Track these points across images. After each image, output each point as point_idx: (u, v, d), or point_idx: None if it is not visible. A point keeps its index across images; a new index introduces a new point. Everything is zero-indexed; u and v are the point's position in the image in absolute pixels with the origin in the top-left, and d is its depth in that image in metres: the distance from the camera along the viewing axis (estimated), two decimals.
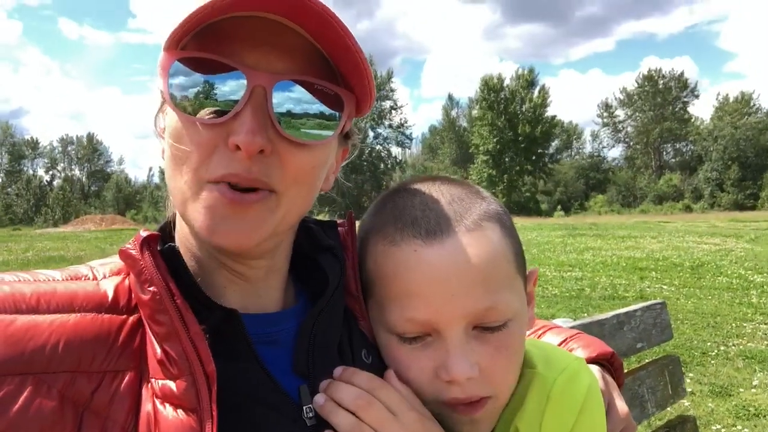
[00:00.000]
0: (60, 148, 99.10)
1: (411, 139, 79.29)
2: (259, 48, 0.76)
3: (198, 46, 0.77)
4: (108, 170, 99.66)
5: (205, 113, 0.75)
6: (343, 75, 0.82)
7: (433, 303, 0.88)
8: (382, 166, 72.75)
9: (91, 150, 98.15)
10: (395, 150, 76.99)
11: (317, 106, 0.80)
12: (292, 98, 0.77)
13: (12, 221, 78.90)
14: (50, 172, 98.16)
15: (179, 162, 0.78)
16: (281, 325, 0.90)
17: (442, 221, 0.91)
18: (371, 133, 72.43)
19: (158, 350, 0.74)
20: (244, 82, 0.74)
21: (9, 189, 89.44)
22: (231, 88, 0.75)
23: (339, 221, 1.06)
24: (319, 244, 0.99)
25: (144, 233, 0.79)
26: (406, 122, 75.11)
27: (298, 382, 0.85)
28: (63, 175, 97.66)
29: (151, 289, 0.74)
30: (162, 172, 0.88)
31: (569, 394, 0.95)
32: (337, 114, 0.82)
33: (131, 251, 0.77)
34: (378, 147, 74.09)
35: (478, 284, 0.88)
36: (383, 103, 73.04)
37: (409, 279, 0.89)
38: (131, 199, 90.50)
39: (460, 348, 0.88)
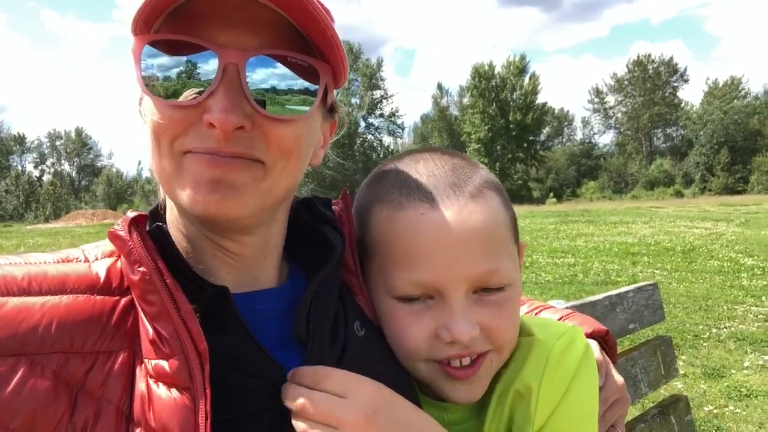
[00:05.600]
0: (48, 143, 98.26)
1: (403, 129, 79.08)
2: (229, 25, 0.75)
3: (168, 29, 0.76)
4: (98, 164, 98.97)
5: (181, 95, 0.75)
6: (317, 47, 0.81)
7: (439, 265, 0.90)
8: (374, 156, 72.57)
9: (80, 144, 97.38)
10: (387, 139, 76.86)
11: (294, 79, 0.79)
12: (267, 74, 0.76)
13: (2, 218, 78.29)
14: (39, 168, 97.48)
15: (157, 140, 0.78)
16: (273, 303, 0.90)
17: (448, 186, 0.93)
18: (362, 123, 72.21)
19: (150, 330, 0.74)
20: (216, 60, 0.73)
21: None
22: (203, 67, 0.74)
23: (333, 200, 1.06)
24: (322, 215, 1.00)
25: (132, 214, 0.79)
26: (397, 111, 74.88)
27: (292, 354, 0.84)
28: (52, 170, 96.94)
29: (140, 269, 0.74)
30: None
31: (566, 358, 0.98)
32: (314, 86, 0.81)
33: (120, 232, 0.77)
34: (370, 137, 73.93)
35: (481, 248, 0.91)
36: (374, 93, 72.76)
37: (416, 241, 0.91)
38: (122, 194, 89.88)
39: (461, 310, 0.91)
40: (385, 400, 0.81)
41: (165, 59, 0.75)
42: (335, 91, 0.93)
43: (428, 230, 0.91)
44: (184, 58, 0.75)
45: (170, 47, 0.75)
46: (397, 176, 0.99)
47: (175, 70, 0.75)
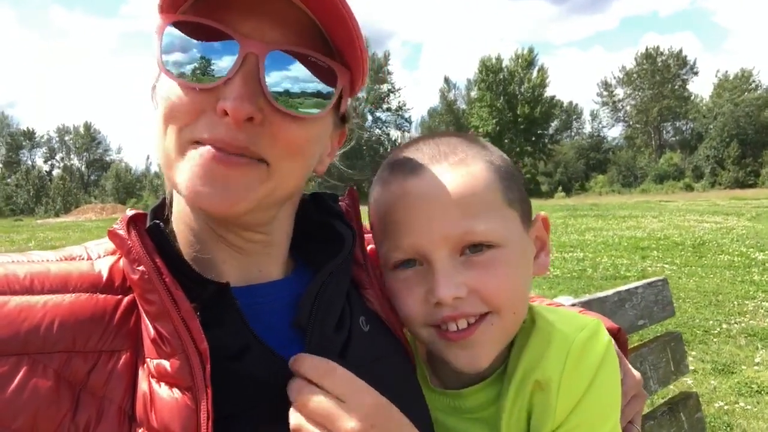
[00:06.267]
0: (57, 138, 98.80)
1: (410, 123, 79.08)
2: (254, 17, 0.75)
3: (194, 13, 0.76)
4: (107, 159, 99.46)
5: (197, 79, 0.75)
6: (338, 50, 0.81)
7: (415, 228, 0.95)
8: (381, 150, 72.56)
9: (88, 139, 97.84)
10: (394, 133, 76.81)
11: (310, 79, 0.78)
12: (286, 70, 0.76)
13: (13, 212, 78.97)
14: (49, 162, 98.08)
15: (166, 123, 0.77)
16: (276, 295, 0.89)
17: (427, 159, 0.98)
18: (370, 117, 72.18)
19: (151, 329, 0.73)
20: (237, 49, 0.73)
21: (9, 180, 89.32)
22: (224, 55, 0.74)
23: (340, 196, 1.06)
24: (331, 210, 1.00)
25: (130, 212, 0.78)
26: (404, 105, 74.88)
27: (292, 344, 0.83)
28: (62, 164, 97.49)
29: (139, 268, 0.74)
30: None
31: (588, 351, 0.97)
32: (331, 89, 0.81)
33: (119, 231, 0.77)
34: (377, 131, 73.87)
35: (455, 208, 0.93)
36: (381, 87, 72.61)
37: (396, 209, 0.96)
38: (131, 188, 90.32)
39: (444, 271, 0.93)
40: (384, 414, 0.78)
41: (186, 41, 0.75)
42: (348, 101, 0.92)
43: (406, 197, 0.96)
44: (206, 43, 0.74)
45: (193, 31, 0.75)
46: (391, 159, 1.04)
47: (196, 53, 0.75)
